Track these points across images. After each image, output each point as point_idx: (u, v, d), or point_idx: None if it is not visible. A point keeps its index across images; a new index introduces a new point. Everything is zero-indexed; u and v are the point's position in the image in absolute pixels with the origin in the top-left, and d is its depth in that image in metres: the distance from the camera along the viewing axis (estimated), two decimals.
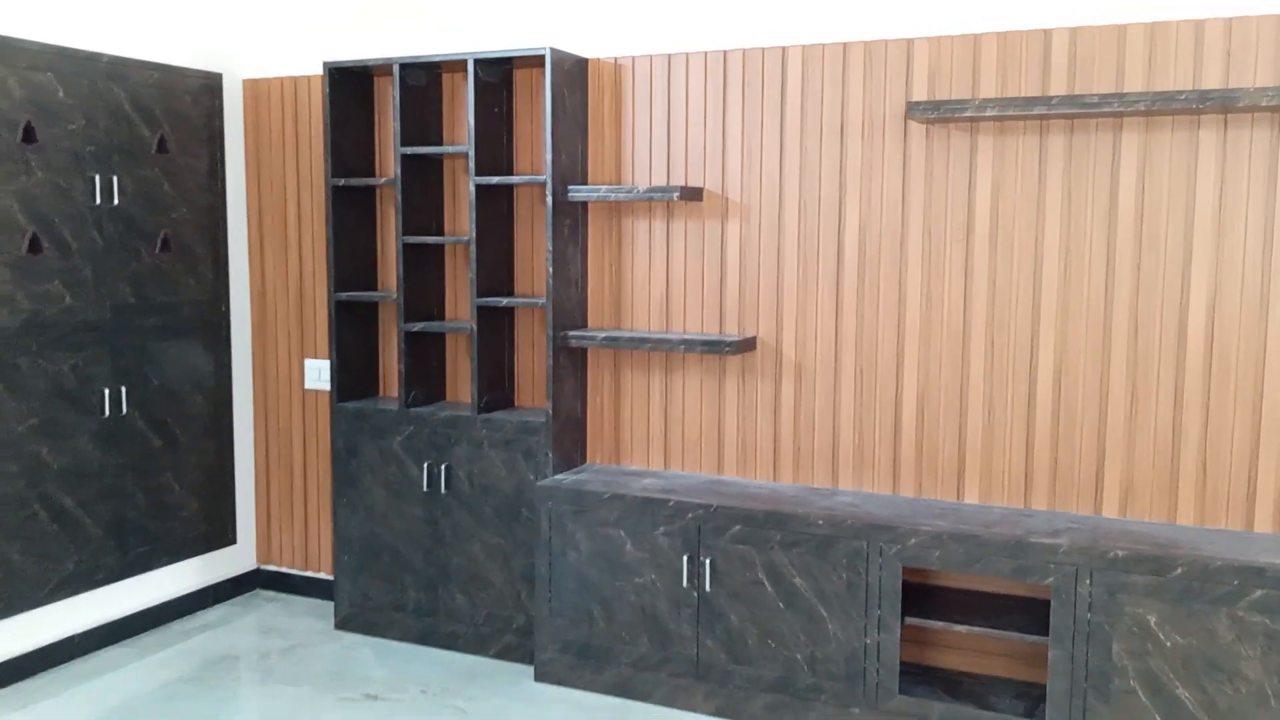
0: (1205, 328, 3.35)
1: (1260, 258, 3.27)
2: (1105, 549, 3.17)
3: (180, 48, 4.42)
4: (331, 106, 4.23)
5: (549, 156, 3.89)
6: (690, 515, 3.67)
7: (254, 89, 4.69)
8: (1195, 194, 3.32)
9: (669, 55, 3.95)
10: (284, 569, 4.90)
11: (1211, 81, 3.25)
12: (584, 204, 4.11)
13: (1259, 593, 3.01)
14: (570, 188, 3.96)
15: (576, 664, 3.90)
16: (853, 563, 3.45)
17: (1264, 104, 3.08)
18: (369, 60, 4.14)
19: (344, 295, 4.32)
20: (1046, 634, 3.28)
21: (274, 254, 4.73)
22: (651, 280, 4.07)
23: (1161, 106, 3.18)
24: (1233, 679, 3.06)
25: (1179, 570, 3.09)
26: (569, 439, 4.11)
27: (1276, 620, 3.00)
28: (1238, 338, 3.32)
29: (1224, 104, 3.12)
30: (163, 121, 4.29)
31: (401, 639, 4.34)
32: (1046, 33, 3.44)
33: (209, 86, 4.50)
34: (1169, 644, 3.11)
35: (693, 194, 3.89)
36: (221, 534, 4.72)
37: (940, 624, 3.42)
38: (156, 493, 4.37)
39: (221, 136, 4.59)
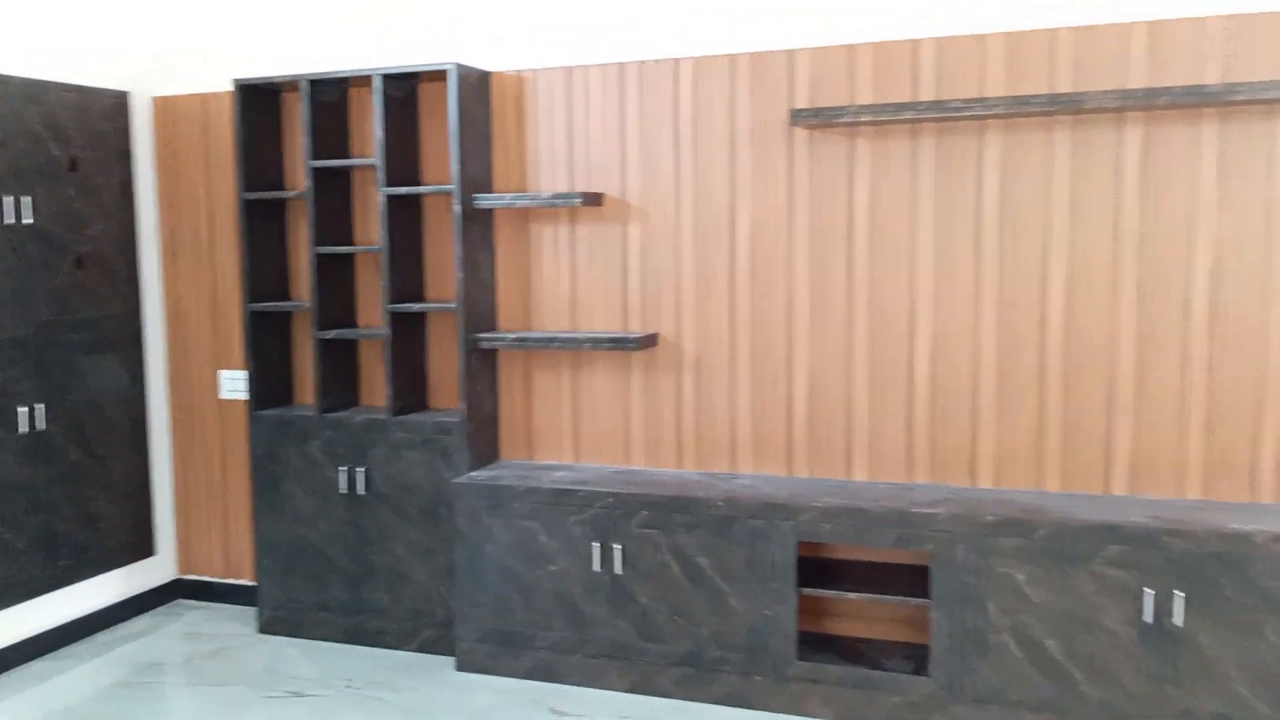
0: (1064, 311, 3.66)
1: (1110, 245, 3.59)
2: (978, 516, 3.45)
3: (91, 68, 4.50)
4: (242, 123, 4.36)
5: (456, 166, 4.07)
6: (600, 504, 3.87)
7: (164, 106, 4.78)
8: (1051, 190, 3.63)
9: (569, 68, 4.16)
10: (205, 578, 4.98)
11: (1063, 86, 3.57)
12: (491, 211, 4.29)
13: (1113, 549, 3.32)
14: (477, 196, 4.15)
15: (497, 651, 4.07)
16: (751, 540, 3.69)
17: (1108, 106, 3.40)
18: (277, 77, 4.28)
19: (258, 306, 4.44)
20: (929, 597, 3.55)
21: (187, 267, 4.83)
22: (558, 282, 4.27)
23: (1019, 110, 3.49)
24: (1093, 629, 3.36)
25: (1043, 532, 3.38)
26: (483, 437, 4.29)
27: (1130, 573, 3.31)
28: (1093, 319, 3.64)
29: (1074, 107, 3.43)
30: (75, 141, 4.37)
31: (326, 638, 4.48)
32: (915, 43, 3.73)
33: (119, 105, 4.59)
34: (1037, 600, 3.41)
35: (594, 199, 4.10)
36: (143, 545, 4.80)
37: (833, 593, 3.68)
38: (80, 506, 4.44)
39: (133, 153, 4.67)
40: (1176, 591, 3.27)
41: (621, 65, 4.09)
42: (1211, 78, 3.42)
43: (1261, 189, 3.44)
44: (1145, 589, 3.29)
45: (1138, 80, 3.49)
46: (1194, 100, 3.31)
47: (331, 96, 4.36)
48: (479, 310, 4.23)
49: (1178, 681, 3.29)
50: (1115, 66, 3.51)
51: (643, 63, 4.06)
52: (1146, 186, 3.54)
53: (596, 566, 3.89)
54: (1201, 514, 3.42)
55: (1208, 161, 3.47)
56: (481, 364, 4.27)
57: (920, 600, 3.59)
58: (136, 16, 4.70)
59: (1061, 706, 3.41)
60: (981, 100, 3.51)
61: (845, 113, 3.65)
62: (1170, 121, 3.49)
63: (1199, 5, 3.43)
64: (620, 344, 4.02)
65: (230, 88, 4.59)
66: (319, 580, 4.45)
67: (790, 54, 3.86)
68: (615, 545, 3.86)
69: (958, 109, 3.53)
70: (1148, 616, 3.30)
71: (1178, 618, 3.27)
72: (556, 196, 4.05)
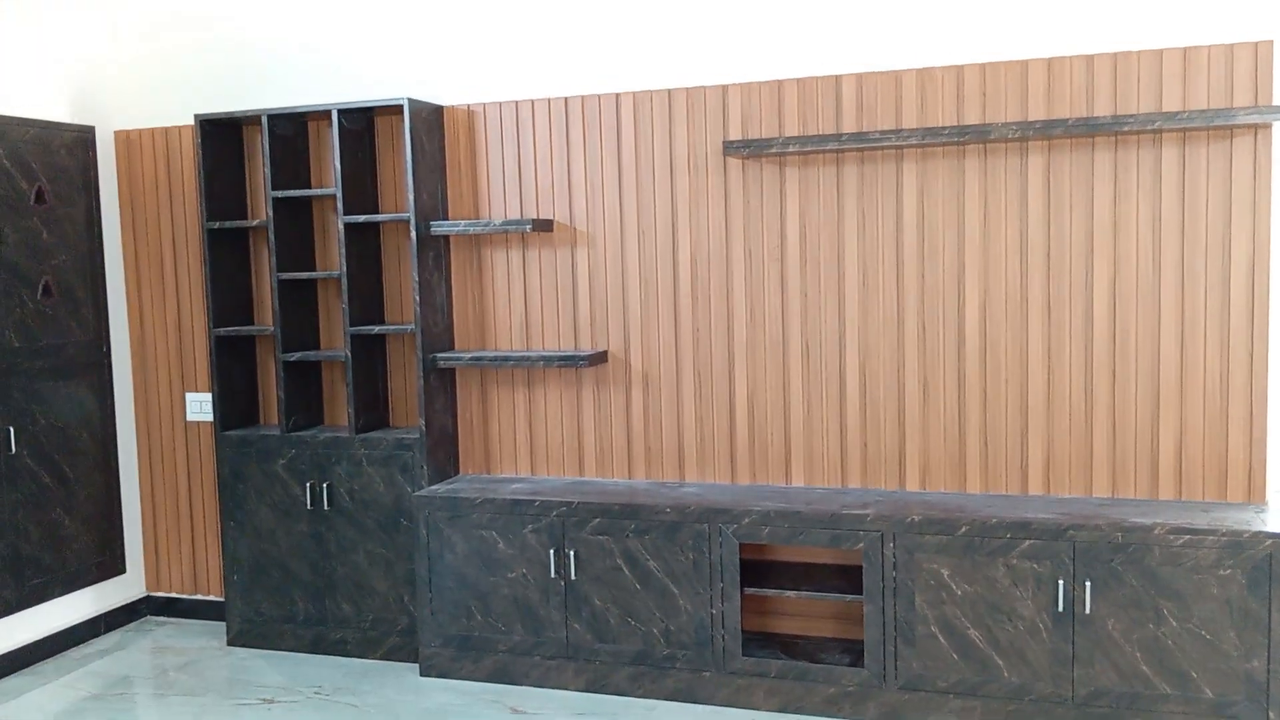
0: (979, 325, 3.96)
1: (1018, 263, 3.90)
2: (904, 516, 3.73)
3: (54, 103, 4.68)
4: (204, 155, 4.55)
5: (411, 196, 4.30)
6: (555, 513, 4.11)
7: (127, 140, 4.96)
8: (964, 213, 3.94)
9: (517, 102, 4.41)
10: (174, 594, 5.14)
11: (971, 118, 3.88)
12: (446, 237, 4.53)
13: (1027, 543, 3.61)
14: (432, 223, 4.38)
15: (458, 656, 4.29)
16: (697, 543, 3.95)
17: (1011, 136, 3.71)
18: (238, 112, 4.48)
19: (223, 330, 4.63)
20: (861, 593, 3.82)
21: (152, 295, 5.01)
22: (511, 304, 4.51)
23: (931, 140, 3.79)
24: (1011, 618, 3.65)
25: (964, 530, 3.67)
26: (442, 452, 4.51)
27: (1042, 565, 3.60)
28: (1005, 332, 3.94)
29: (980, 137, 3.74)
30: (40, 174, 4.55)
31: (293, 649, 4.66)
32: (838, 79, 4.02)
33: (83, 139, 4.77)
34: (959, 592, 3.69)
35: (544, 225, 4.35)
36: (112, 564, 4.95)
37: (774, 591, 3.94)
38: (49, 527, 4.60)
39: (97, 186, 4.85)
40: (1084, 581, 3.56)
41: (566, 99, 4.34)
42: (1102, 110, 3.75)
43: (1149, 209, 3.76)
44: (1058, 580, 3.58)
45: (1037, 112, 3.80)
46: (1087, 131, 3.63)
47: (291, 130, 4.57)
48: (436, 332, 4.46)
49: (1087, 663, 3.59)
50: (1017, 100, 3.83)
51: (585, 97, 4.32)
52: (1049, 209, 3.85)
53: (552, 572, 4.12)
54: (1107, 510, 3.73)
55: (1102, 185, 3.79)
56: (439, 383, 4.49)
57: (854, 596, 3.86)
58: (100, 53, 4.89)
59: (984, 690, 3.69)
60: (898, 131, 3.81)
61: (774, 144, 3.93)
62: (1068, 150, 3.81)
63: (1090, 44, 3.75)
64: (571, 361, 4.26)
65: (191, 122, 4.78)
66: (285, 593, 4.64)
67: (723, 89, 4.14)
68: (569, 551, 4.09)
69: (877, 139, 3.82)
70: (1060, 605, 3.59)
71: (1086, 605, 3.56)
72: (508, 223, 4.29)
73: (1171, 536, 3.49)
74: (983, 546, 3.65)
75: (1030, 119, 3.80)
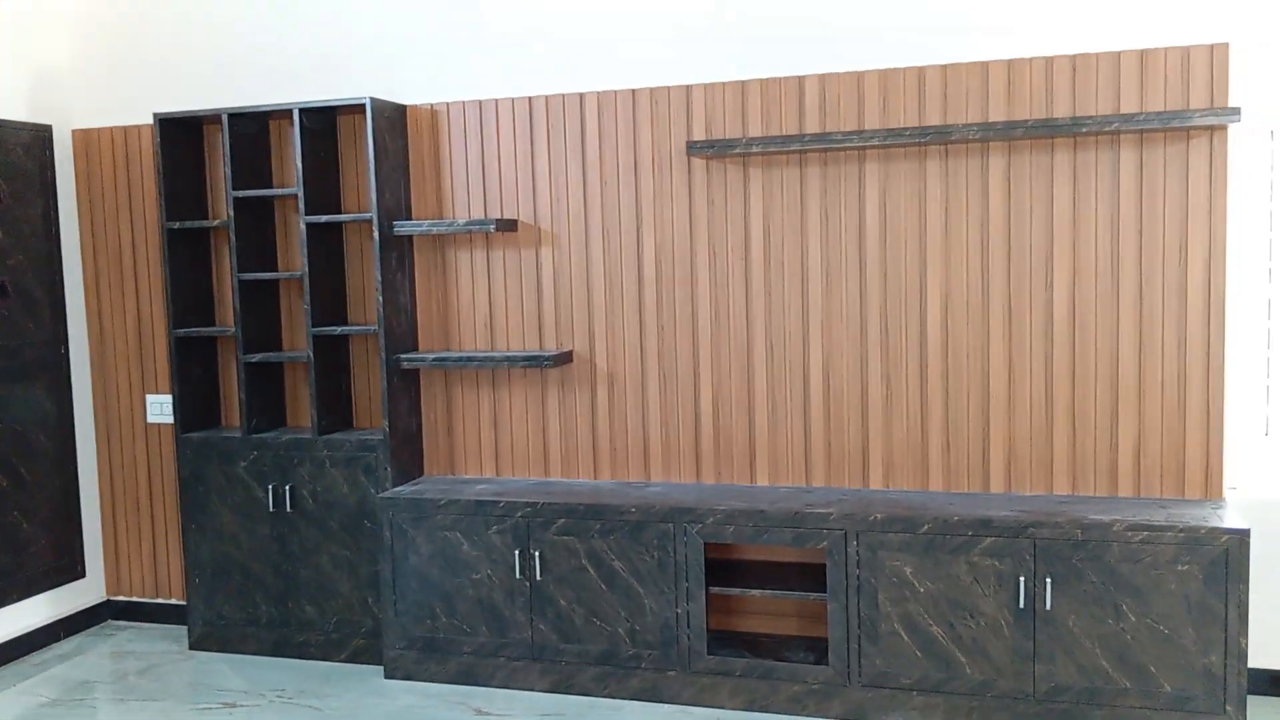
0: (941, 324, 3.99)
1: (979, 262, 3.93)
2: (867, 514, 3.75)
3: (10, 102, 4.61)
4: (163, 155, 4.50)
5: (374, 195, 4.27)
6: (520, 514, 4.10)
7: (85, 139, 4.90)
8: (926, 213, 3.96)
9: (480, 101, 4.40)
10: (134, 598, 5.08)
11: (932, 119, 3.90)
12: (409, 237, 4.50)
13: (988, 540, 3.64)
14: (396, 223, 4.35)
15: (423, 658, 4.27)
16: (662, 543, 3.95)
17: (972, 137, 3.74)
18: (198, 111, 4.43)
19: (183, 331, 4.58)
20: (825, 591, 3.84)
21: (111, 295, 4.95)
22: (475, 304, 4.49)
23: (893, 141, 3.81)
24: (973, 614, 3.68)
25: (926, 527, 3.69)
26: (406, 453, 4.49)
27: (1003, 562, 3.63)
28: (967, 331, 3.97)
29: (942, 138, 3.76)
30: None
31: (256, 652, 4.62)
32: (800, 79, 4.03)
33: (40, 138, 4.70)
34: (922, 589, 3.72)
35: (508, 225, 4.34)
36: (71, 568, 4.89)
37: (739, 590, 3.95)
38: (6, 530, 4.53)
39: (55, 185, 4.79)
40: (1045, 578, 3.59)
41: (530, 99, 4.33)
42: (1061, 111, 3.78)
43: (1108, 209, 3.80)
44: (1019, 577, 3.62)
45: (998, 114, 3.84)
46: (1047, 132, 3.67)
47: (252, 129, 4.53)
48: (399, 332, 4.43)
49: (1048, 659, 3.62)
50: (977, 101, 3.86)
51: (549, 97, 4.31)
52: (1010, 209, 3.88)
53: (517, 573, 4.11)
54: (1067, 507, 3.76)
55: (1061, 186, 3.83)
56: (403, 383, 4.47)
57: (818, 595, 3.87)
58: (58, 50, 4.82)
59: (947, 687, 3.72)
60: (860, 132, 3.83)
61: (738, 144, 3.94)
62: (1028, 151, 3.85)
63: (1050, 46, 3.79)
64: (536, 361, 4.25)
65: (150, 120, 4.72)
66: (248, 596, 4.60)
67: (687, 89, 4.14)
68: (534, 552, 4.08)
69: (839, 140, 3.84)
70: (1021, 601, 3.62)
71: (1047, 602, 3.60)
72: (471, 223, 4.27)
73: (1130, 533, 3.53)
74: (945, 544, 3.68)
75: (991, 120, 3.83)
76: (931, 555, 3.69)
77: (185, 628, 4.84)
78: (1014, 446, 3.97)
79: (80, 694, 4.30)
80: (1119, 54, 3.73)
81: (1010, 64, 3.82)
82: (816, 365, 4.13)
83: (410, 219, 4.50)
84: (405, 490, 4.33)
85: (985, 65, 3.84)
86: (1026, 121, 3.67)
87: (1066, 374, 3.89)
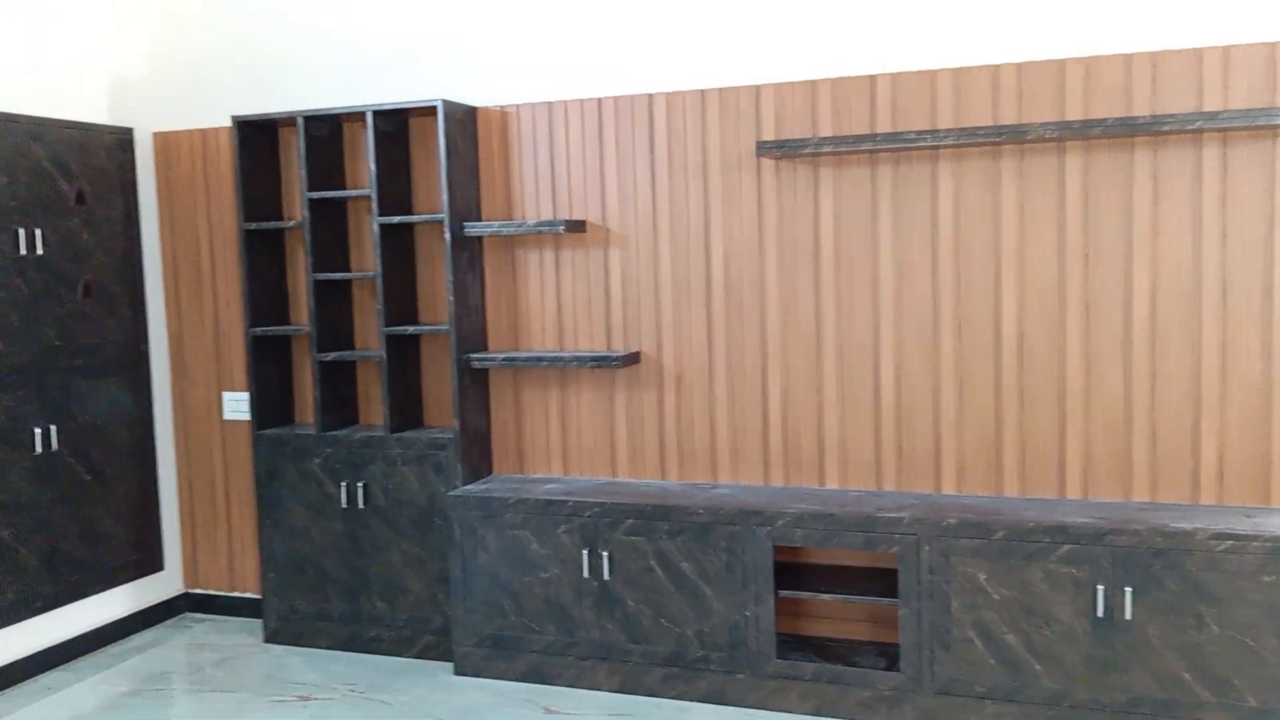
0: (1016, 327, 3.93)
1: (1056, 265, 3.86)
2: (940, 519, 3.71)
3: (93, 106, 4.74)
4: (241, 157, 4.59)
5: (445, 196, 4.31)
6: (588, 513, 4.11)
7: (164, 142, 5.01)
8: (1001, 214, 3.90)
9: (550, 103, 4.42)
10: (210, 591, 5.19)
11: (1007, 118, 3.84)
12: (479, 238, 4.54)
13: (1065, 547, 3.58)
14: (466, 224, 4.39)
15: (491, 655, 4.30)
16: (730, 545, 3.94)
17: (1049, 136, 3.67)
18: (275, 114, 4.51)
19: (259, 330, 4.67)
20: (897, 596, 3.80)
21: (189, 295, 5.06)
22: (544, 304, 4.51)
23: (967, 140, 3.75)
24: (1048, 622, 3.62)
25: (1000, 533, 3.64)
26: (476, 452, 4.52)
27: (1080, 569, 3.56)
28: (1043, 334, 3.90)
29: (1017, 137, 3.70)
30: (80, 176, 4.60)
31: (328, 647, 4.69)
32: (872, 78, 3.99)
33: (122, 141, 4.82)
34: (996, 596, 3.66)
35: (576, 226, 4.35)
36: (150, 561, 5.01)
37: (808, 594, 3.92)
38: (87, 524, 4.66)
39: (135, 187, 4.90)
40: (1124, 586, 3.52)
41: (599, 100, 4.34)
42: (1141, 110, 3.70)
43: (1190, 209, 3.71)
44: (1096, 584, 3.54)
45: (1075, 112, 3.76)
46: (1126, 131, 3.59)
47: (326, 131, 4.60)
48: (469, 332, 4.47)
49: (1126, 669, 3.55)
50: (1054, 99, 3.79)
51: (619, 98, 4.31)
52: (1088, 210, 3.81)
53: (585, 572, 4.12)
54: (1146, 514, 3.68)
55: (1141, 186, 3.75)
56: (473, 383, 4.50)
57: (889, 600, 3.83)
58: (139, 55, 4.94)
59: (1021, 696, 3.66)
60: (933, 131, 3.78)
61: (808, 144, 3.91)
62: (1106, 150, 3.76)
63: (1129, 43, 3.70)
64: (604, 362, 4.26)
65: (228, 123, 4.82)
66: (320, 591, 4.67)
67: (757, 89, 4.12)
68: (602, 552, 4.09)
69: (912, 140, 3.79)
70: (1099, 610, 3.55)
71: (1126, 610, 3.52)
72: (541, 224, 4.30)
73: (1213, 542, 3.45)
74: (1020, 550, 3.62)
75: (1068, 119, 3.76)
76: (1006, 561, 3.64)
77: (260, 621, 4.93)
78: (1091, 452, 3.89)
79: (158, 685, 4.40)
80: (1201, 50, 3.64)
81: (1088, 61, 3.74)
82: (888, 367, 4.09)
83: (480, 220, 4.53)
84: (475, 488, 4.37)
85: (1062, 63, 3.77)
86: (1105, 120, 3.59)
87: (1146, 378, 3.81)
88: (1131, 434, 3.84)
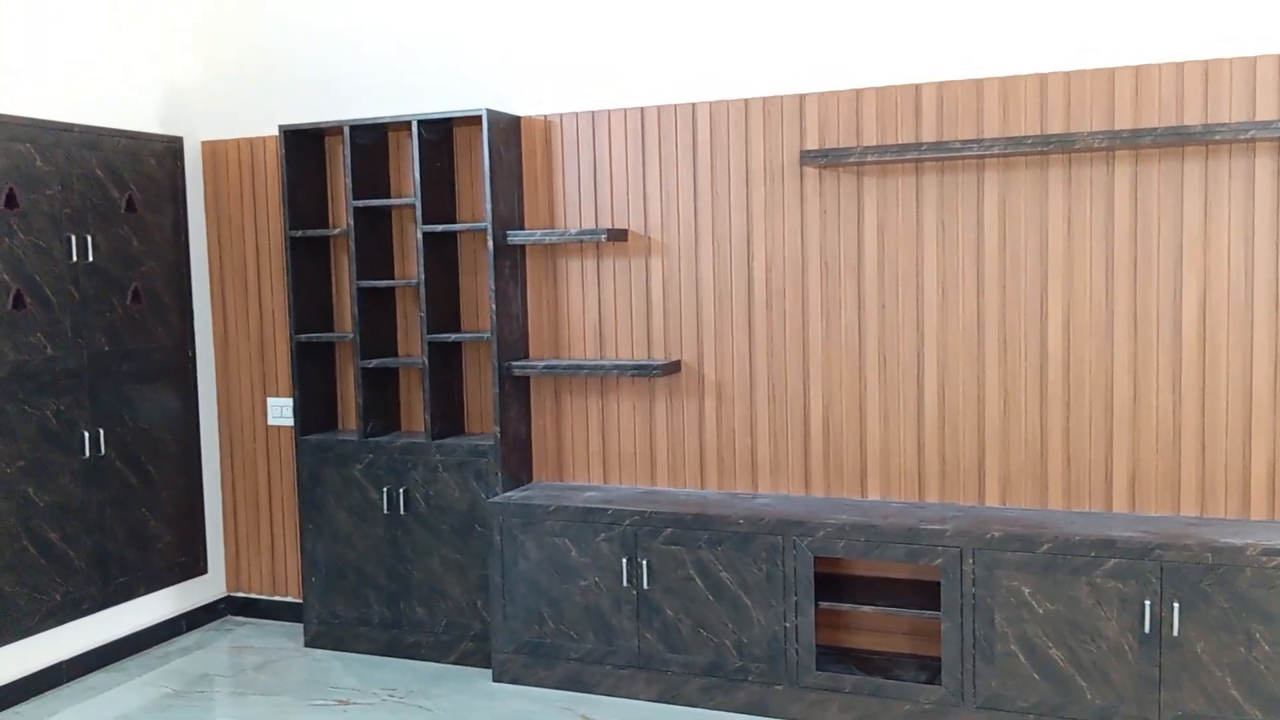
0: (1062, 338, 3.88)
1: (1104, 275, 3.82)
2: (984, 532, 3.67)
3: (144, 115, 4.82)
4: (287, 165, 4.65)
5: (488, 205, 4.34)
6: (627, 522, 4.11)
7: (213, 150, 5.09)
8: (1047, 224, 3.86)
9: (593, 112, 4.43)
10: (253, 595, 5.25)
11: (1054, 127, 3.80)
12: (522, 247, 4.56)
13: (1112, 562, 3.53)
14: (509, 232, 4.41)
15: (530, 662, 4.31)
16: (770, 555, 3.92)
17: (1097, 145, 3.63)
18: (321, 123, 4.56)
19: (304, 337, 4.72)
20: (939, 610, 3.76)
21: (235, 301, 5.12)
22: (585, 313, 4.53)
23: (1014, 150, 3.72)
24: (1094, 638, 3.56)
25: (1045, 547, 3.59)
26: (516, 459, 4.54)
27: (1127, 584, 3.51)
28: (1090, 345, 3.85)
29: (1064, 146, 3.67)
30: (130, 183, 4.68)
31: (368, 652, 4.72)
32: (917, 87, 3.97)
33: (171, 149, 4.90)
34: (1041, 610, 3.61)
35: (618, 235, 4.36)
36: (194, 564, 5.07)
37: (849, 606, 3.89)
38: (134, 526, 4.72)
39: (184, 195, 4.98)
40: (1172, 602, 3.46)
41: (642, 109, 4.35)
42: (1193, 119, 3.65)
43: (1242, 222, 3.65)
44: (1144, 600, 3.49)
45: (1124, 121, 3.72)
46: (1176, 140, 3.54)
47: (371, 140, 4.65)
48: (511, 340, 4.49)
49: (1174, 686, 3.49)
50: (1102, 108, 3.75)
51: (661, 107, 4.32)
52: (1136, 220, 3.76)
53: (624, 581, 4.12)
54: (1195, 529, 3.62)
55: (1191, 197, 3.69)
56: (514, 390, 4.52)
57: (931, 613, 3.79)
58: (189, 66, 5.02)
59: (1065, 711, 3.61)
60: (979, 141, 3.75)
61: (852, 153, 3.90)
62: (1156, 160, 3.72)
63: (1180, 51, 3.65)
64: (644, 371, 4.26)
65: (275, 132, 4.88)
66: (361, 596, 4.70)
67: (800, 98, 4.11)
68: (641, 561, 4.09)
69: (957, 149, 3.77)
70: (1146, 626, 3.50)
71: (1174, 627, 3.46)
72: (583, 232, 4.31)
73: (1265, 558, 3.38)
74: (1065, 564, 3.57)
75: (1117, 128, 3.71)
76: (1051, 575, 3.59)
77: (301, 625, 4.97)
78: (1139, 465, 3.83)
79: (201, 686, 4.45)
80: (1255, 59, 3.58)
81: (1138, 70, 3.70)
82: (931, 378, 4.05)
83: (523, 228, 4.55)
84: (515, 495, 4.38)
85: (1111, 71, 3.73)
86: (1155, 129, 3.55)
87: (1196, 390, 3.75)
88: (1180, 447, 3.78)
